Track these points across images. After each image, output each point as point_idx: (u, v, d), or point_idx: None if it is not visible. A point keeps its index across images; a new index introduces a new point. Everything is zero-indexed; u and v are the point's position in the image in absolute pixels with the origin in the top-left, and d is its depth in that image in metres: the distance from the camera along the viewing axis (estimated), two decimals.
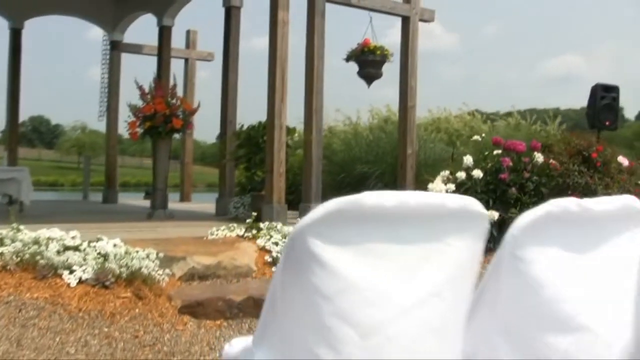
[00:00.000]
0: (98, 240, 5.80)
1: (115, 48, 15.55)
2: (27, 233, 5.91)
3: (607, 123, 11.43)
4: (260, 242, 7.15)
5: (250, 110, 13.74)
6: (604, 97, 11.46)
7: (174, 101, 10.47)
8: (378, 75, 11.16)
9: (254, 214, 8.35)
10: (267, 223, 7.90)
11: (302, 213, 9.97)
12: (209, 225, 9.40)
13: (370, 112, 15.30)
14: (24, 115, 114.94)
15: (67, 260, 5.21)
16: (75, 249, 5.53)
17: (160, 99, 10.35)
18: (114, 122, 15.46)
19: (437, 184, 9.47)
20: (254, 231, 7.60)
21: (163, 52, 13.72)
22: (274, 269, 6.58)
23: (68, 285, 5.06)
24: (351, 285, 2.11)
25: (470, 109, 15.26)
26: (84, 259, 5.31)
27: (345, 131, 15.10)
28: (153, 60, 15.09)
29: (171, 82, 11.29)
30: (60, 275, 5.15)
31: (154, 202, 10.60)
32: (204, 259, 6.21)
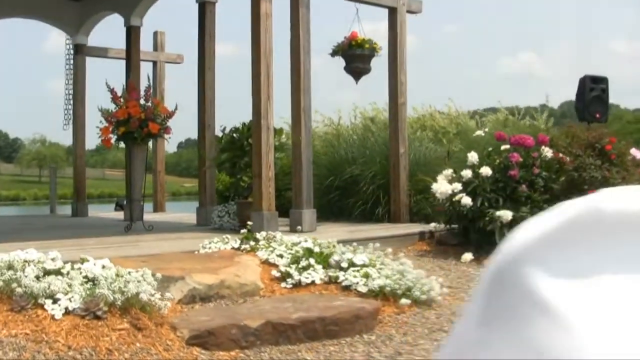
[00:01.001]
0: (82, 261, 4.99)
1: (80, 52, 14.64)
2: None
3: (597, 115, 10.79)
4: (261, 254, 6.40)
5: (226, 115, 12.96)
6: (593, 89, 10.84)
7: (149, 104, 9.67)
8: (366, 71, 10.45)
9: (249, 223, 7.59)
10: (263, 233, 7.15)
11: (294, 220, 9.23)
12: (195, 237, 8.63)
13: (353, 111, 14.54)
14: None
15: (49, 287, 4.38)
16: (57, 272, 4.73)
17: (134, 102, 9.53)
18: (81, 130, 14.55)
19: (442, 184, 8.76)
20: (252, 243, 6.84)
21: (132, 54, 12.88)
22: (283, 284, 5.82)
23: (52, 317, 4.23)
24: (597, 346, 1.33)
25: (456, 106, 14.58)
26: (69, 285, 4.49)
27: (326, 132, 14.33)
28: (119, 65, 14.31)
29: (143, 85, 10.48)
30: (42, 306, 4.32)
31: (131, 214, 9.77)
32: (205, 278, 5.43)
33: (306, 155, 9.45)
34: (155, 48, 15.63)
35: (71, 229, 10.85)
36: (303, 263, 5.95)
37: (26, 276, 4.48)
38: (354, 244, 7.04)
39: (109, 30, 16.04)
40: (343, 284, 5.74)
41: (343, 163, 11.73)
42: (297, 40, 9.40)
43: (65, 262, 4.98)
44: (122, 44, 14.21)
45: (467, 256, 7.97)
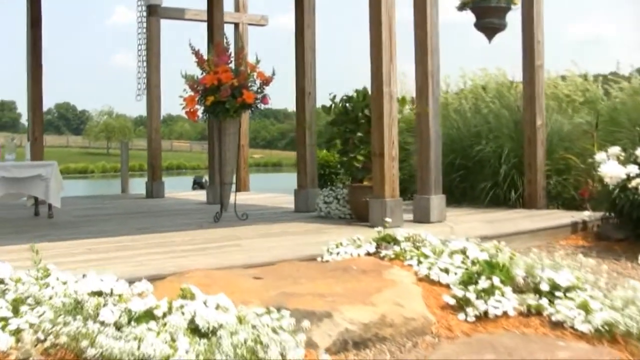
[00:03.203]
0: (184, 294, 3.33)
1: (153, 14, 13.00)
2: (59, 279, 3.52)
3: None
4: (416, 266, 4.71)
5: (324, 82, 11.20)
6: None
7: (242, 68, 7.99)
8: (502, 27, 8.65)
9: (388, 220, 5.88)
10: (403, 232, 5.44)
11: (419, 209, 7.55)
12: (304, 232, 7.00)
13: (462, 78, 12.63)
14: (49, 102, 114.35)
15: (138, 347, 2.74)
16: (149, 316, 3.07)
17: (224, 67, 7.86)
18: (156, 100, 12.96)
19: (612, 165, 6.95)
20: (395, 247, 5.14)
21: (214, 12, 11.17)
22: (461, 316, 4.09)
23: None
24: None
25: (581, 71, 12.55)
26: (172, 340, 2.84)
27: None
28: (197, 28, 12.70)
29: (232, 47, 8.84)
30: None
31: (221, 200, 8.13)
32: (359, 313, 3.73)
33: (434, 129, 7.72)
34: (237, 9, 13.92)
35: (149, 216, 9.27)
36: (483, 283, 4.21)
37: (102, 325, 2.84)
38: (502, 242, 5.35)
39: None
40: (552, 318, 3.99)
41: (463, 138, 9.95)
42: None
43: (153, 279, 3.38)
44: (198, 5, 12.65)
45: None
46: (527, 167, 9.02)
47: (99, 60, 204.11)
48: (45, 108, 13.80)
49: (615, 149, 7.27)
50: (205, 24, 11.86)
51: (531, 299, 4.08)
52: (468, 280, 4.32)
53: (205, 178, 17.44)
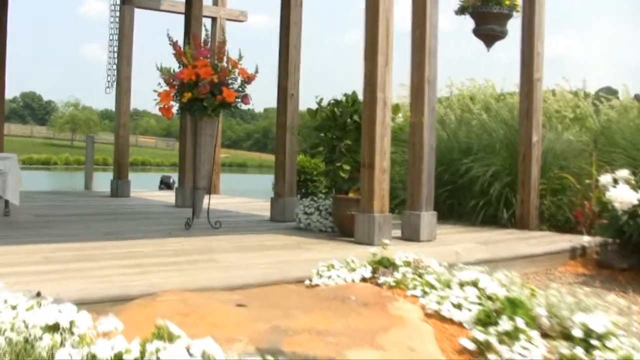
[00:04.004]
0: (159, 334, 2.70)
1: (127, 2, 12.30)
2: (7, 302, 2.89)
3: None
4: (421, 298, 4.11)
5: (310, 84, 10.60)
6: None
7: (223, 64, 7.36)
8: (502, 35, 8.12)
9: (387, 242, 5.28)
10: (401, 254, 4.86)
11: (408, 225, 7.00)
12: (284, 246, 6.44)
13: (448, 87, 12.06)
14: (14, 90, 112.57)
15: None
16: None
17: (204, 61, 7.24)
18: (125, 94, 12.23)
19: (623, 190, 6.42)
20: (395, 273, 4.55)
21: (193, 3, 10.52)
22: None
23: None
24: None
25: (571, 86, 12.01)
26: None
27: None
28: (173, 20, 12.04)
29: (211, 39, 8.22)
30: None
31: (193, 206, 7.49)
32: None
33: (429, 142, 7.15)
34: (215, 2, 13.28)
35: (115, 219, 8.56)
36: (505, 325, 3.62)
37: None
38: (504, 273, 4.84)
39: None
40: None
41: (451, 150, 9.40)
42: None
43: (119, 299, 2.79)
44: None
45: None
46: (520, 185, 8.49)
47: (68, 51, 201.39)
48: (10, 96, 13.07)
49: (624, 173, 6.75)
50: (181, 17, 11.25)
51: (564, 348, 3.50)
52: (486, 320, 3.73)
53: (173, 178, 16.78)
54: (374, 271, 4.71)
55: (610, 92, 12.98)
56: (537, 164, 8.48)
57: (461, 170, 8.86)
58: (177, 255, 5.57)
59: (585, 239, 7.24)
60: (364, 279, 4.62)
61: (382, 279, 4.51)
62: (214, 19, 13.16)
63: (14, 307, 2.96)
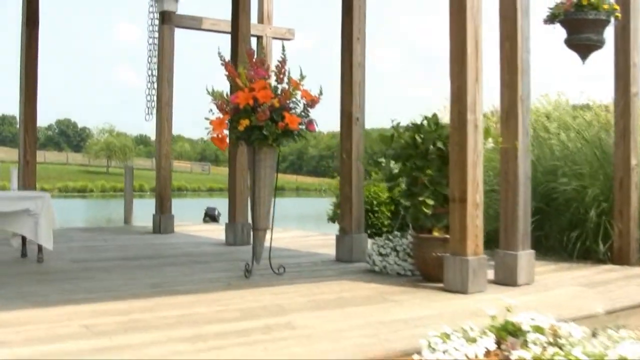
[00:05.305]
0: None
1: (167, 22, 11.43)
2: None
3: None
4: None
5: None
6: None
7: (284, 85, 6.41)
8: (599, 44, 7.08)
9: (503, 298, 4.28)
10: (522, 315, 3.85)
11: (502, 267, 6.04)
12: (364, 296, 5.47)
13: None
14: (50, 117, 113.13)
15: None
16: None
17: (263, 82, 6.29)
18: (167, 121, 11.34)
19: None
20: (533, 346, 3.55)
21: (241, 21, 9.55)
22: None
23: None
24: None
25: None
26: None
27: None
28: (215, 39, 11.17)
29: (269, 59, 7.29)
30: None
31: (253, 251, 6.52)
32: None
33: (524, 170, 6.18)
34: (261, 20, 12.37)
35: (161, 264, 7.53)
36: None
37: None
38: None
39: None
40: None
41: (535, 175, 8.37)
42: None
43: None
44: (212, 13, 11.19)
45: None
46: (617, 214, 7.48)
47: (101, 76, 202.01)
48: (46, 123, 12.22)
49: None
50: (221, 36, 10.33)
51: None
52: None
53: (218, 210, 15.91)
54: (499, 341, 3.71)
55: None
56: (636, 191, 7.48)
57: (547, 196, 7.86)
58: (244, 318, 4.59)
59: None
60: (487, 353, 3.62)
61: (514, 356, 3.51)
62: (259, 38, 12.25)
63: None
